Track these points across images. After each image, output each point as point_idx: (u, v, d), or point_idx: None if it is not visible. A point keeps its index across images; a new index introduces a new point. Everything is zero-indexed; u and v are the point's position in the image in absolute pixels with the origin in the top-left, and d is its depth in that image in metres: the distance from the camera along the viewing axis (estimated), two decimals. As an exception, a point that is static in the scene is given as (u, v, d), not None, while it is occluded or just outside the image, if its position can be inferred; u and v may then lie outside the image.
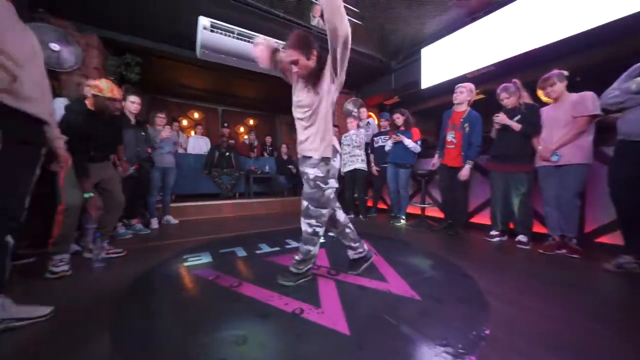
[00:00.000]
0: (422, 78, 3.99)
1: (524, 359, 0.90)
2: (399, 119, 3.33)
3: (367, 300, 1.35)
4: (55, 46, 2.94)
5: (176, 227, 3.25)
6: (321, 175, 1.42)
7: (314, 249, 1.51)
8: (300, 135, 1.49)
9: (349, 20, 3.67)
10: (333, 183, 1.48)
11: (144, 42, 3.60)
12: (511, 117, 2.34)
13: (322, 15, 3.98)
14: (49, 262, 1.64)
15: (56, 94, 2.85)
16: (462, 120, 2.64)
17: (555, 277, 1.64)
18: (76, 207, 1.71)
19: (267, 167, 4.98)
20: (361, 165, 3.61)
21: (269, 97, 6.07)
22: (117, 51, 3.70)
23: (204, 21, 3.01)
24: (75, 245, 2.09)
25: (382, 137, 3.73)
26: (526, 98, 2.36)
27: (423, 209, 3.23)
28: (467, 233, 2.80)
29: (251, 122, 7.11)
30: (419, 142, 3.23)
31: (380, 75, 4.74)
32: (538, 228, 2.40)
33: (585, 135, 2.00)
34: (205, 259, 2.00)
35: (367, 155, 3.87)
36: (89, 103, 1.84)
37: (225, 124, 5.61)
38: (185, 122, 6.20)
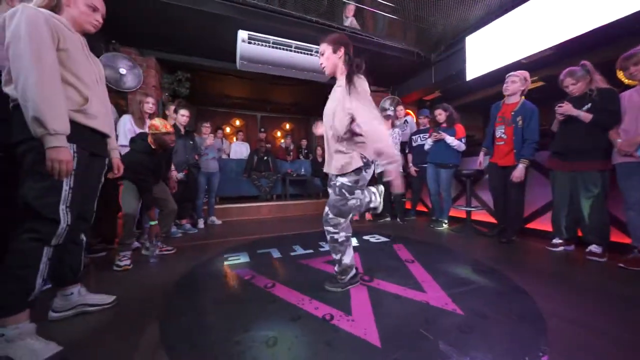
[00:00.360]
0: (467, 68, 3.65)
1: (595, 399, 0.75)
2: (441, 115, 3.09)
3: (402, 310, 1.28)
4: (123, 70, 3.42)
5: (220, 227, 3.50)
6: (348, 184, 1.38)
7: (345, 257, 1.46)
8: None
9: (383, 15, 3.47)
10: (359, 194, 1.44)
11: (191, 59, 3.99)
12: (579, 107, 1.99)
13: (355, 15, 3.94)
14: (116, 257, 1.91)
15: (123, 110, 3.34)
16: (513, 113, 2.33)
17: (637, 298, 1.34)
18: (131, 215, 1.96)
19: (302, 170, 5.09)
20: (397, 165, 3.45)
21: (303, 101, 6.22)
22: (170, 69, 4.17)
23: (242, 34, 3.20)
24: (135, 242, 2.40)
25: (421, 135, 3.51)
26: (600, 82, 1.98)
27: (469, 213, 2.94)
28: (522, 241, 2.47)
29: (287, 126, 7.36)
30: (463, 140, 2.96)
31: (418, 69, 4.47)
32: (617, 237, 1.99)
33: (686, 123, 1.60)
34: (243, 258, 2.12)
35: (405, 154, 3.69)
36: (150, 141, 2.08)
37: (262, 129, 5.89)
38: (228, 130, 6.69)
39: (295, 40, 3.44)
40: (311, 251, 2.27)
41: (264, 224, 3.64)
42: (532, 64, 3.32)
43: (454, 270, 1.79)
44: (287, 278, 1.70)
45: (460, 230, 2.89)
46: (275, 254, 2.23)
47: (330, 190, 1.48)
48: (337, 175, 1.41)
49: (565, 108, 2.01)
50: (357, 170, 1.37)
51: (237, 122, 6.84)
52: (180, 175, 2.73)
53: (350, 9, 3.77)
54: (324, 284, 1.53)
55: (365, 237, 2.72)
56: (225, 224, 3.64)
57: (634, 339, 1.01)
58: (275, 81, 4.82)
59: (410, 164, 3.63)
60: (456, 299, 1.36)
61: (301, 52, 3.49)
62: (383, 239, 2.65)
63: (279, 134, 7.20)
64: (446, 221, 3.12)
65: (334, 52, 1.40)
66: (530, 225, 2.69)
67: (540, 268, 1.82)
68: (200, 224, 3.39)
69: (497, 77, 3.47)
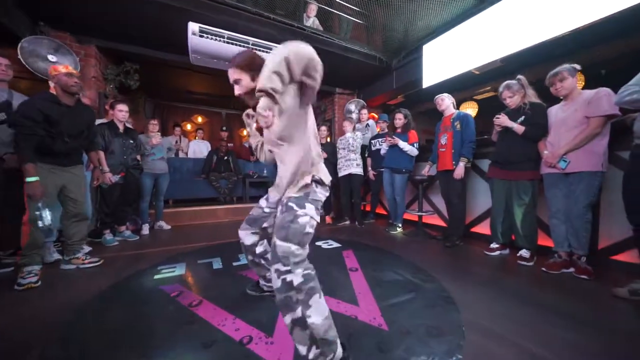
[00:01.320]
0: (423, 76, 3.75)
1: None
2: (400, 120, 3.14)
3: (327, 328, 1.22)
4: (53, 57, 3.02)
5: (168, 233, 3.25)
6: (297, 198, 1.02)
7: (312, 314, 0.89)
8: None
9: (350, 19, 3.46)
10: (312, 214, 1.02)
11: (140, 50, 3.65)
12: (515, 119, 2.10)
13: (317, 15, 3.87)
14: (18, 274, 1.65)
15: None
16: (452, 120, 2.53)
17: (560, 304, 1.42)
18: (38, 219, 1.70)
19: (264, 171, 4.93)
20: (356, 169, 3.46)
21: (271, 100, 6.05)
22: (116, 60, 3.79)
23: (193, 26, 2.98)
24: (56, 254, 2.12)
25: (380, 139, 3.54)
26: (532, 97, 2.11)
27: (420, 217, 3.02)
28: (467, 244, 2.57)
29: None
30: (415, 145, 3.03)
31: (381, 74, 4.54)
32: (544, 241, 2.14)
33: (599, 139, 1.74)
34: (178, 270, 1.95)
35: (364, 158, 3.71)
36: (52, 90, 1.82)
37: (224, 128, 5.62)
38: (189, 127, 6.30)
39: (253, 37, 3.29)
40: (257, 260, 2.16)
41: (219, 229, 3.45)
42: (483, 75, 3.52)
43: (393, 278, 1.78)
44: (218, 293, 1.58)
45: (412, 235, 2.96)
46: (217, 264, 2.09)
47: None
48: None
49: (501, 119, 2.12)
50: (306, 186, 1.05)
51: (200, 119, 6.47)
52: (116, 178, 2.46)
53: (312, 9, 3.70)
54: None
55: (318, 243, 2.67)
56: (175, 230, 3.39)
57: (540, 352, 1.05)
58: (237, 78, 4.61)
59: (370, 168, 3.66)
60: (385, 312, 1.34)
61: (260, 50, 3.34)
62: (335, 244, 2.61)
63: (244, 132, 6.92)
64: (400, 225, 3.18)
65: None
66: (475, 229, 2.82)
67: (475, 274, 1.88)
68: (145, 229, 3.11)
69: (451, 86, 3.62)
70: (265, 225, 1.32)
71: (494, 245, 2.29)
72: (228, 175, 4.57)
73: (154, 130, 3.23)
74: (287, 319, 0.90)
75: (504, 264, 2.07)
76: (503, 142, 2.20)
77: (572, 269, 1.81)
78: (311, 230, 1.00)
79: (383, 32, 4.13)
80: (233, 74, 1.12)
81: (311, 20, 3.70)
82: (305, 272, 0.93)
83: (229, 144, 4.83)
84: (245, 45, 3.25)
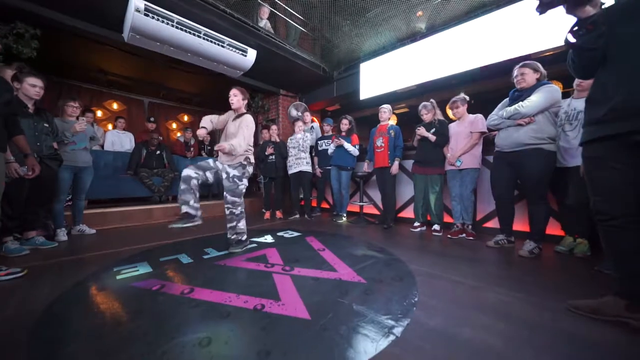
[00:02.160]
0: (360, 89, 4.44)
1: (444, 315, 1.20)
2: (346, 125, 3.65)
3: (322, 288, 1.50)
4: None
5: (93, 237, 2.75)
6: (238, 174, 2.12)
7: (239, 224, 2.19)
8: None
9: (299, 28, 3.86)
10: (245, 182, 2.18)
11: (47, 12, 2.92)
12: (428, 130, 2.90)
13: (268, 18, 4.02)
14: None
15: None
16: (388, 128, 3.24)
17: (459, 254, 2.14)
18: None
19: (206, 168, 4.64)
20: (306, 167, 3.79)
21: (208, 93, 5.68)
22: (4, 17, 2.90)
23: (137, 2, 2.65)
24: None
25: (326, 140, 3.99)
26: (439, 115, 2.95)
27: (361, 207, 3.62)
28: (397, 226, 3.29)
29: (186, 118, 6.47)
30: (357, 147, 3.61)
31: (323, 83, 5.03)
32: (447, 218, 3.02)
33: (477, 147, 2.65)
34: (143, 269, 1.81)
35: (312, 157, 4.08)
36: None
37: (152, 119, 4.98)
38: (100, 114, 5.21)
39: (205, 27, 3.17)
40: (226, 252, 2.20)
41: (161, 230, 3.13)
42: (402, 94, 4.45)
43: (356, 252, 2.21)
44: (206, 281, 1.62)
45: (356, 222, 3.51)
46: (185, 259, 2.02)
47: (225, 181, 2.13)
48: (229, 169, 2.12)
49: (422, 131, 2.87)
50: (243, 165, 2.14)
51: (115, 106, 5.43)
52: (24, 170, 1.98)
53: (265, 11, 3.83)
54: (229, 249, 2.18)
55: (280, 234, 2.86)
56: (103, 234, 2.89)
57: (462, 279, 1.64)
58: (174, 65, 4.21)
59: (316, 166, 4.06)
60: (360, 272, 1.72)
61: (211, 41, 3.25)
62: (295, 233, 2.87)
63: (174, 125, 6.22)
64: (345, 215, 3.70)
65: (243, 99, 2.23)
66: (401, 215, 3.61)
67: (408, 243, 2.52)
68: (61, 235, 2.55)
69: (382, 100, 4.42)
70: (207, 173, 2.08)
71: (416, 224, 3.05)
72: (163, 172, 4.11)
73: (73, 114, 2.69)
74: (228, 225, 2.18)
75: (424, 236, 2.83)
76: (421, 147, 2.97)
77: (464, 235, 2.67)
78: (244, 190, 2.20)
79: (326, 46, 4.63)
80: (235, 91, 2.21)
81: (264, 22, 3.82)
82: (240, 208, 2.18)
83: (159, 138, 4.32)
84: (197, 34, 3.12)
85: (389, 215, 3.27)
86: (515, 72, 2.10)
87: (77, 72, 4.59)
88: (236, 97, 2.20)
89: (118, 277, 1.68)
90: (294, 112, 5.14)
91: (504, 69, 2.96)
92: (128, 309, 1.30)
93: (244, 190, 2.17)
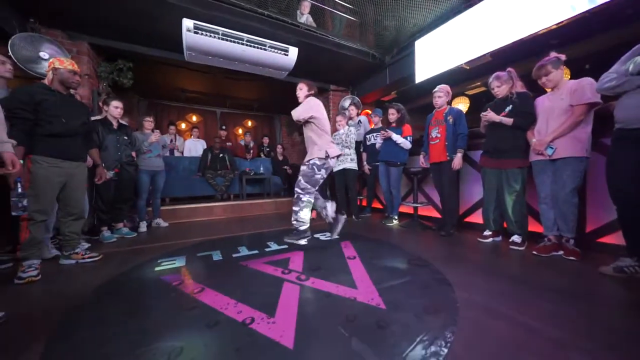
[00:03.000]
0: (416, 72, 3.82)
1: (478, 382, 0.79)
2: (393, 114, 3.21)
3: (328, 308, 1.26)
4: (45, 54, 2.99)
5: (165, 230, 3.25)
6: (318, 163, 2.18)
7: (301, 212, 2.16)
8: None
9: (343, 16, 3.67)
10: (324, 174, 2.23)
11: (134, 48, 3.64)
12: (502, 108, 2.18)
13: (310, 12, 3.91)
14: (18, 268, 1.65)
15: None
16: (444, 114, 2.60)
17: (546, 283, 1.49)
18: (40, 213, 1.71)
19: (261, 168, 4.95)
20: (350, 164, 3.50)
21: (267, 98, 6.05)
22: (109, 58, 3.76)
23: (187, 23, 2.99)
24: (54, 250, 2.11)
25: (374, 134, 3.60)
26: (520, 88, 2.18)
27: (415, 209, 3.08)
28: (460, 233, 2.64)
29: (249, 123, 7.12)
30: (409, 139, 3.09)
31: (375, 71, 4.60)
32: (534, 227, 2.22)
33: (583, 126, 1.82)
34: (179, 262, 1.97)
35: (359, 153, 3.76)
36: (47, 81, 1.79)
37: (223, 127, 5.64)
38: (183, 126, 6.27)
39: (248, 33, 3.31)
40: (256, 251, 2.19)
41: (216, 225, 3.46)
42: (473, 71, 3.59)
43: (391, 264, 1.84)
44: (220, 281, 1.61)
45: (408, 226, 3.02)
46: (217, 256, 2.11)
47: (303, 167, 2.22)
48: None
49: (489, 116, 2.18)
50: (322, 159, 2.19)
51: (194, 118, 6.44)
52: (111, 174, 2.46)
53: (306, 5, 3.73)
54: (283, 238, 2.23)
55: (316, 235, 2.71)
56: (173, 227, 3.39)
57: (539, 325, 1.11)
58: (231, 76, 4.61)
59: (365, 163, 3.71)
60: (383, 293, 1.38)
61: (253, 46, 3.37)
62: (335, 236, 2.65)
63: (240, 131, 6.93)
64: (396, 217, 3.24)
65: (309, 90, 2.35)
66: (468, 219, 2.90)
67: (469, 259, 1.94)
68: (143, 227, 3.11)
69: (443, 82, 3.69)
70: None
71: (487, 233, 2.36)
72: (224, 172, 4.57)
73: (149, 128, 3.23)
74: (293, 208, 2.20)
75: (497, 249, 2.14)
76: (492, 132, 2.26)
77: (561, 252, 1.89)
78: (320, 181, 2.23)
79: (375, 29, 4.18)
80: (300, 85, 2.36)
81: (305, 17, 3.73)
82: (308, 197, 2.18)
83: (227, 143, 4.83)
84: (240, 41, 3.28)
85: (449, 219, 2.65)
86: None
87: (165, 92, 5.61)
88: (301, 91, 2.35)
89: (156, 268, 1.86)
90: (346, 104, 4.91)
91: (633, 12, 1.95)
92: (143, 301, 1.40)
93: (320, 181, 2.20)
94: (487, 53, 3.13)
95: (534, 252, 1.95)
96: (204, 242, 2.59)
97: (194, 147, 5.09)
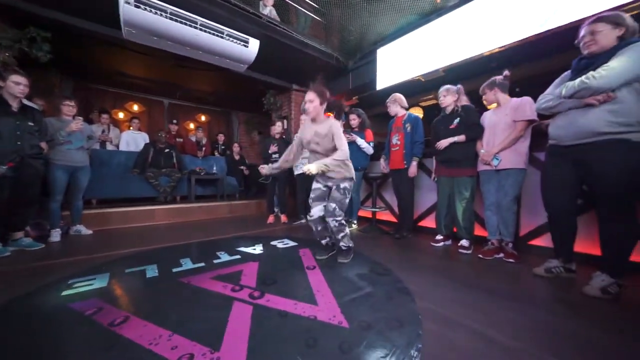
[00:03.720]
0: (377, 79, 3.92)
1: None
2: (354, 120, 3.21)
3: (284, 332, 1.10)
4: None
5: (88, 239, 2.68)
6: (348, 187, 1.91)
7: (347, 231, 1.94)
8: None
9: (309, 14, 3.46)
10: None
11: (54, 15, 2.95)
12: (451, 121, 2.32)
13: (274, 5, 3.71)
14: None
15: None
16: (403, 121, 2.67)
17: (493, 286, 1.57)
18: None
19: (214, 168, 4.52)
20: (313, 167, 3.39)
21: (224, 92, 5.58)
22: (16, 23, 3.00)
23: (125, -7, 2.53)
24: None
25: (337, 138, 3.55)
26: (464, 101, 2.35)
27: (374, 213, 3.11)
28: (415, 237, 2.74)
29: (203, 118, 6.51)
30: (371, 144, 3.11)
31: (338, 74, 4.60)
32: (479, 231, 2.39)
33: (522, 141, 2.01)
34: (98, 283, 1.59)
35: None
36: None
37: (174, 121, 5.03)
38: (122, 115, 5.42)
39: (202, 17, 2.96)
40: (202, 264, 1.91)
41: (157, 232, 3.00)
42: (427, 83, 3.82)
43: (352, 273, 1.76)
44: (152, 307, 1.32)
45: (366, 231, 3.03)
46: (152, 272, 1.77)
47: (335, 192, 1.88)
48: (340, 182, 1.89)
49: (442, 144, 2.31)
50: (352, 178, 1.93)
51: (135, 107, 5.61)
52: (3, 169, 1.90)
53: (269, -4, 3.52)
54: (337, 258, 1.96)
55: (274, 243, 2.52)
56: (100, 234, 2.83)
57: (495, 337, 1.12)
58: (184, 63, 4.12)
59: (327, 166, 3.64)
60: (345, 308, 1.28)
61: (208, 32, 3.03)
62: (292, 243, 2.50)
63: (192, 126, 6.28)
64: (355, 221, 3.23)
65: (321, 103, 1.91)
66: (422, 223, 3.03)
67: (425, 265, 1.98)
68: (55, 236, 2.51)
69: (401, 91, 3.84)
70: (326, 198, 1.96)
71: (438, 237, 2.47)
72: (170, 171, 4.04)
73: (69, 114, 2.65)
74: (340, 235, 1.91)
75: (448, 253, 2.25)
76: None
77: (502, 254, 2.05)
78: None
79: (340, 32, 4.18)
80: (310, 95, 1.89)
81: (268, 9, 3.52)
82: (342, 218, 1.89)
83: (177, 138, 4.29)
84: (193, 25, 2.92)
85: (405, 224, 2.73)
86: (583, 31, 1.47)
87: (99, 75, 4.76)
88: (312, 104, 1.86)
89: (64, 292, 1.46)
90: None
91: (564, 40, 2.25)
92: (42, 337, 1.04)
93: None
94: (440, 68, 3.35)
95: (479, 256, 2.09)
96: (138, 253, 2.19)
97: (132, 140, 4.40)
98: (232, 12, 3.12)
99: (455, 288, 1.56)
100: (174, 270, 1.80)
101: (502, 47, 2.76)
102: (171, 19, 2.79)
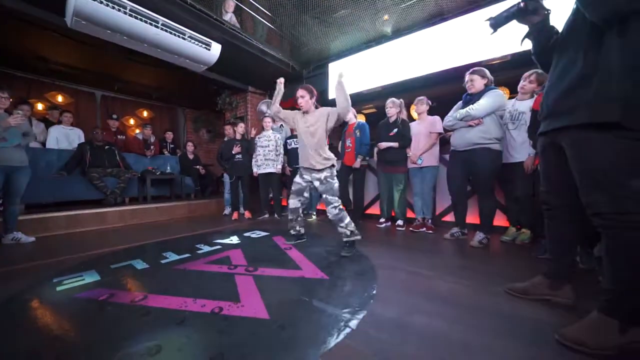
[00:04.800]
0: (329, 90, 4.49)
1: (398, 305, 1.27)
2: (310, 125, 3.67)
3: (284, 287, 1.50)
4: None
5: (32, 246, 2.45)
6: (329, 174, 2.14)
7: (348, 221, 2.09)
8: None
9: (266, 24, 3.81)
10: (337, 179, 2.18)
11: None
12: (391, 129, 3.01)
13: (234, 12, 3.89)
14: None
15: None
16: (354, 128, 3.30)
17: (419, 247, 2.28)
18: None
19: (167, 167, 4.38)
20: (274, 169, 3.74)
21: (170, 87, 5.33)
22: None
23: (79, -16, 2.40)
24: None
25: (295, 139, 3.97)
26: (404, 115, 3.09)
27: (331, 205, 3.67)
28: (364, 222, 3.40)
29: (145, 114, 6.01)
30: (327, 146, 3.64)
31: (293, 81, 4.99)
32: (410, 214, 3.19)
33: (435, 146, 2.84)
34: (89, 278, 1.66)
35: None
36: None
37: (114, 115, 4.59)
38: (40, 107, 4.63)
39: (162, 16, 2.97)
40: (188, 255, 2.10)
41: (114, 235, 2.89)
42: (368, 95, 4.58)
43: (321, 249, 2.24)
44: (162, 286, 1.53)
45: (325, 220, 3.55)
46: (140, 265, 1.89)
47: (319, 185, 2.14)
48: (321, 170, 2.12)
49: (382, 145, 2.97)
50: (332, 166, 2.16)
51: (60, 98, 4.86)
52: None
53: (230, 4, 3.70)
54: (341, 252, 2.07)
55: (247, 234, 2.80)
56: (43, 241, 2.59)
57: (421, 271, 1.74)
58: (131, 57, 3.88)
59: (286, 165, 4.03)
60: (324, 269, 1.75)
61: (171, 32, 3.06)
62: (263, 233, 2.83)
63: (132, 121, 5.74)
64: (315, 213, 3.73)
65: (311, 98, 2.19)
66: (368, 211, 3.73)
67: (374, 239, 2.61)
68: (-11, 244, 2.23)
69: (351, 99, 4.52)
70: (305, 193, 2.28)
71: (381, 220, 3.17)
72: (117, 172, 3.78)
73: (2, 106, 2.37)
74: (340, 225, 2.09)
75: (389, 231, 2.95)
76: (386, 149, 3.07)
77: (424, 229, 2.84)
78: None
79: (295, 44, 4.60)
80: (301, 92, 2.19)
81: (229, 16, 3.69)
82: (340, 205, 2.13)
83: (119, 135, 3.98)
84: (154, 24, 2.92)
85: (356, 212, 3.36)
86: (466, 77, 2.28)
87: (9, 57, 4.02)
88: (304, 99, 2.15)
89: (59, 288, 1.51)
90: (264, 108, 5.03)
91: (459, 74, 3.20)
92: (69, 322, 1.19)
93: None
94: (380, 86, 4.13)
95: (410, 229, 2.85)
96: (109, 253, 2.19)
97: (64, 136, 3.90)
98: (195, 16, 3.22)
99: (396, 250, 2.21)
100: (163, 262, 1.96)
101: (424, 74, 3.66)
102: (131, 15, 2.75)
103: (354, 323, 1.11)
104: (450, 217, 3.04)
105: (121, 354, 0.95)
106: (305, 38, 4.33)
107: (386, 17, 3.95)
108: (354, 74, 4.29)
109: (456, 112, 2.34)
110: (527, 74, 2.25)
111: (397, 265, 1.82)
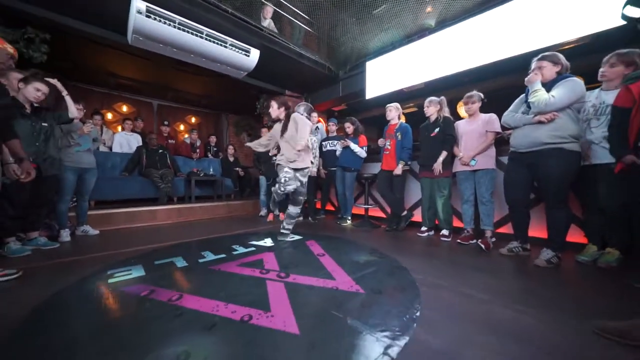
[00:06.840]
0: (366, 89, 4.32)
1: (447, 333, 1.08)
2: (349, 128, 3.55)
3: (316, 298, 1.40)
4: None
5: (96, 238, 2.76)
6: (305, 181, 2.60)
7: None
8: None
9: (303, 27, 3.87)
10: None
11: (54, 16, 2.99)
12: (432, 130, 2.73)
13: (272, 17, 3.98)
14: None
15: None
16: (395, 130, 3.05)
17: (468, 262, 1.99)
18: None
19: (211, 169, 4.65)
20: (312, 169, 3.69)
21: (215, 94, 5.70)
22: (13, 22, 2.98)
23: (138, 4, 2.66)
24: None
25: (330, 141, 3.89)
26: (446, 113, 2.78)
27: (366, 210, 3.49)
28: (403, 230, 3.14)
29: (193, 119, 6.54)
30: (364, 148, 3.49)
31: (329, 82, 4.94)
32: (457, 223, 2.85)
33: (492, 147, 2.48)
34: (136, 272, 1.77)
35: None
36: None
37: (166, 122, 5.06)
38: (110, 116, 5.33)
39: (207, 27, 3.15)
40: (223, 255, 2.14)
41: (163, 232, 3.13)
42: (409, 93, 4.29)
43: (357, 258, 2.09)
44: (197, 287, 1.55)
45: (360, 225, 3.39)
46: (180, 263, 1.97)
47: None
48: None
49: (437, 168, 2.64)
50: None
51: (125, 108, 5.54)
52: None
53: (269, 10, 3.79)
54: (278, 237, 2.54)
55: (282, 238, 2.78)
56: (106, 234, 2.90)
57: (470, 292, 1.50)
58: (181, 67, 4.23)
59: (321, 167, 3.96)
60: (359, 281, 1.61)
61: (214, 42, 3.24)
62: (296, 237, 2.78)
63: (182, 127, 6.30)
64: (349, 218, 3.58)
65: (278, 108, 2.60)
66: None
67: (414, 250, 2.37)
68: (65, 235, 2.57)
69: (388, 99, 4.28)
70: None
71: (423, 228, 2.89)
72: (166, 172, 4.12)
73: (79, 116, 2.71)
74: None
75: (432, 241, 2.67)
76: (427, 150, 2.80)
77: (476, 240, 2.48)
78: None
79: (331, 45, 4.54)
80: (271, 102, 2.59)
81: (267, 22, 3.78)
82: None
83: (169, 140, 4.36)
84: (199, 35, 3.11)
85: (395, 218, 3.12)
86: (533, 65, 1.93)
87: (87, 75, 4.70)
88: (272, 109, 2.59)
89: (110, 280, 1.64)
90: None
91: (519, 63, 2.77)
92: (113, 315, 1.26)
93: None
94: (422, 82, 3.82)
95: (458, 241, 2.52)
96: (156, 249, 2.35)
97: (126, 141, 4.41)
98: (235, 24, 3.35)
99: (440, 264, 1.95)
100: (200, 260, 2.02)
101: (473, 66, 3.27)
102: (179, 28, 2.96)
103: (394, 351, 0.96)
104: (506, 229, 2.63)
105: (151, 356, 0.94)
106: (343, 38, 4.24)
107: (429, 9, 3.66)
108: (393, 71, 4.06)
109: (522, 105, 1.99)
110: (606, 58, 1.84)
111: (443, 283, 1.59)
